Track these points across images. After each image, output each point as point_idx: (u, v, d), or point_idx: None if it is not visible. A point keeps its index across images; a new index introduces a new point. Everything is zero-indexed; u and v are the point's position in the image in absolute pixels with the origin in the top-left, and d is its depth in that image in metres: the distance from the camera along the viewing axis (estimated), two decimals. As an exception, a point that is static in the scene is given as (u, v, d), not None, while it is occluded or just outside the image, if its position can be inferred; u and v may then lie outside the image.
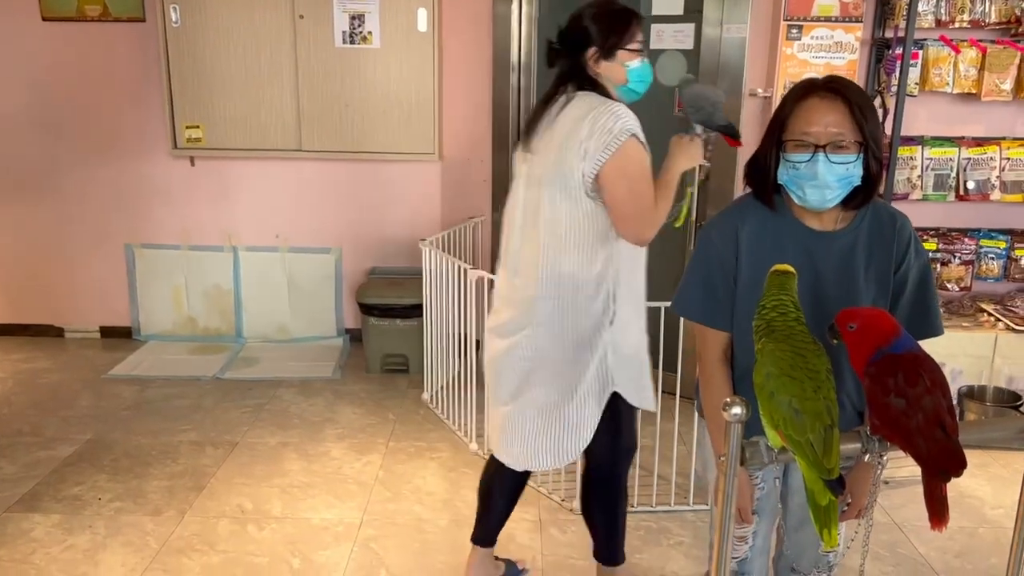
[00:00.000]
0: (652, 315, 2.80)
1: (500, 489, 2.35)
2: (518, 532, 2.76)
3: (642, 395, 2.21)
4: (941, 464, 1.11)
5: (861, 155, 1.51)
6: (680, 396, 2.90)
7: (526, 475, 2.32)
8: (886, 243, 1.59)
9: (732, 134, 2.14)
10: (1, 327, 4.57)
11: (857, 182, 1.53)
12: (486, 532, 2.39)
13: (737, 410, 1.10)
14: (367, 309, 4.11)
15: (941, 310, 1.67)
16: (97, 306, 4.57)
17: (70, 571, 2.51)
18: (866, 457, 1.19)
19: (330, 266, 4.50)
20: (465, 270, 3.21)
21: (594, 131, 1.92)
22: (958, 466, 1.11)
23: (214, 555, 2.61)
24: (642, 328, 2.21)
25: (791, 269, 1.33)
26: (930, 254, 3.56)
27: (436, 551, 2.66)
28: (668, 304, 2.79)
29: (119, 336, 4.57)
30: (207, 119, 4.21)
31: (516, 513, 2.87)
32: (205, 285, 4.53)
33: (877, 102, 3.38)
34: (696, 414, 1.91)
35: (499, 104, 4.13)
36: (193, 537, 2.70)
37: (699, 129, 2.11)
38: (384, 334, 4.11)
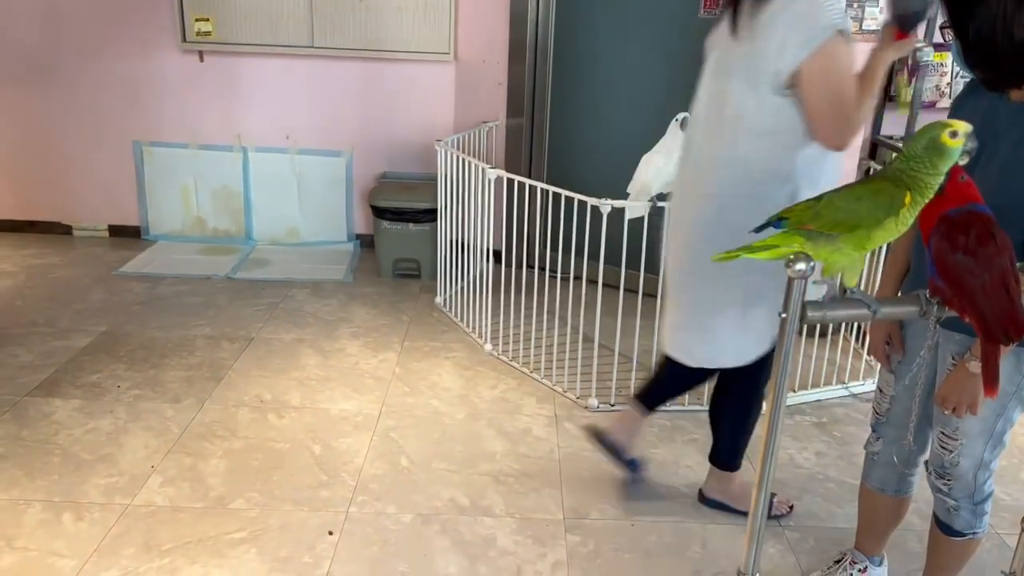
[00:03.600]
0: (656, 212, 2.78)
1: (674, 378, 2.34)
2: (535, 426, 2.80)
3: None
4: (1002, 326, 1.11)
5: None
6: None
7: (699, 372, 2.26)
8: None
9: (902, 25, 1.81)
10: (9, 223, 4.53)
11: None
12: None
13: (800, 265, 1.09)
14: (379, 212, 4.07)
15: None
16: (105, 204, 4.52)
17: (95, 451, 2.54)
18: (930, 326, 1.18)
19: (341, 169, 4.44)
20: (484, 169, 3.16)
21: (797, 23, 1.75)
22: (1019, 331, 1.11)
23: (236, 440, 2.64)
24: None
25: None
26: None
27: (454, 441, 2.70)
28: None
29: (128, 235, 4.54)
30: (217, 11, 4.08)
31: (534, 408, 2.93)
32: (214, 185, 4.47)
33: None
34: None
35: (517, 3, 4.01)
36: (214, 424, 2.73)
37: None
38: (396, 238, 4.08)
